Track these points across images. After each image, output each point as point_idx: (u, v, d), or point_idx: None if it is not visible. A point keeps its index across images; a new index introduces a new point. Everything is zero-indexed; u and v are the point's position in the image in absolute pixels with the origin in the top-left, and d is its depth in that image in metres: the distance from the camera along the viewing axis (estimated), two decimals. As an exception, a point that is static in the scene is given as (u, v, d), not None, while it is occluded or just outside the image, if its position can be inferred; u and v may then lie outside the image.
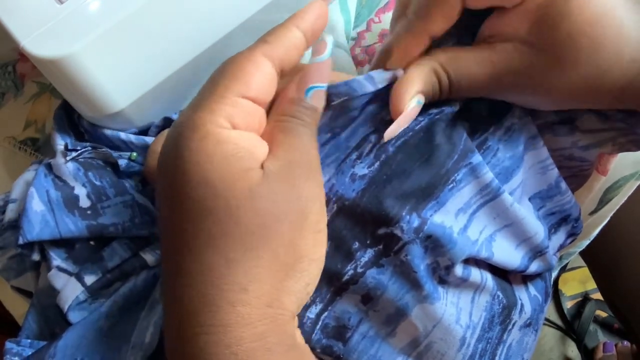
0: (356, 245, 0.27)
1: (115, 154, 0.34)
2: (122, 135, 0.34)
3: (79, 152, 0.34)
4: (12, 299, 0.40)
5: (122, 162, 0.34)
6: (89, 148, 0.34)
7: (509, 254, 0.29)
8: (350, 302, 0.28)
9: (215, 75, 0.23)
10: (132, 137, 0.34)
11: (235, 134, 0.22)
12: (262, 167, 0.22)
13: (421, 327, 0.27)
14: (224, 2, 0.32)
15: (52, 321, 0.33)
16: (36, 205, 0.32)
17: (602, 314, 1.04)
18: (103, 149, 0.34)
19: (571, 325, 1.04)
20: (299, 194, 0.22)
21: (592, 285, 1.06)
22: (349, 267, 0.27)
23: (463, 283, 0.28)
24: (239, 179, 0.21)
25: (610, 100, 0.25)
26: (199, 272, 0.21)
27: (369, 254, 0.27)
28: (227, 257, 0.21)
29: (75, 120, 0.36)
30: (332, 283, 0.27)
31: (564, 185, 0.31)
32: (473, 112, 0.29)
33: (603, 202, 0.41)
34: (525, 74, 0.25)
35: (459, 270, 0.28)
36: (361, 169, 0.27)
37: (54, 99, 0.41)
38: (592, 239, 0.44)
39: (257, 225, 0.21)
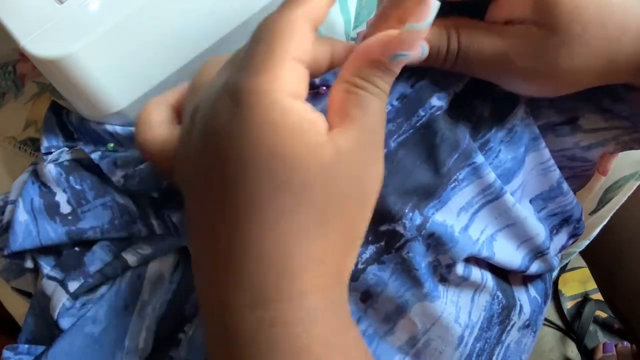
0: None
1: (89, 149, 0.34)
2: (108, 127, 0.34)
3: (56, 153, 0.33)
4: (12, 299, 0.40)
5: (95, 156, 0.33)
6: (65, 149, 0.34)
7: (509, 254, 0.29)
8: (349, 300, 0.27)
9: (263, 36, 0.21)
10: (118, 129, 0.34)
11: (299, 105, 0.21)
12: (332, 140, 0.21)
13: (420, 325, 0.27)
14: (223, 2, 0.32)
15: (51, 323, 0.33)
16: (21, 215, 0.33)
17: (602, 314, 1.04)
18: (77, 148, 0.34)
19: (571, 326, 1.04)
20: (366, 175, 0.22)
21: (592, 285, 1.06)
22: None
23: (464, 282, 0.28)
24: (309, 154, 0.20)
25: (625, 74, 0.25)
26: (273, 243, 0.20)
27: (370, 250, 0.27)
28: (301, 231, 0.20)
29: (64, 119, 0.36)
30: None
31: (565, 186, 0.31)
32: (476, 112, 0.29)
33: (603, 202, 0.41)
34: (536, 55, 0.25)
35: (460, 268, 0.28)
36: None
37: (54, 99, 0.41)
38: (592, 239, 0.44)
39: (329, 203, 0.21)
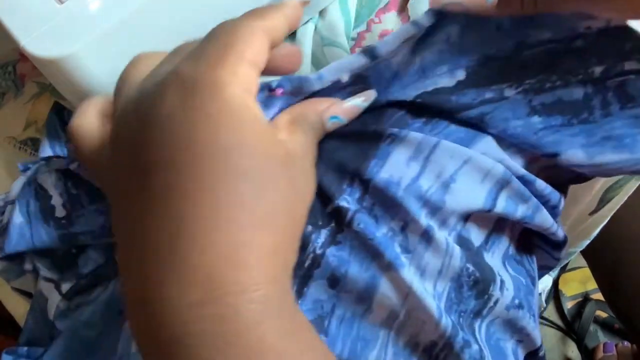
0: (309, 228, 0.27)
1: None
2: None
3: (32, 169, 0.33)
4: (12, 299, 0.40)
5: (74, 166, 0.33)
6: (43, 162, 0.33)
7: (471, 193, 0.28)
8: (319, 290, 0.27)
9: (220, 36, 0.22)
10: None
11: (256, 104, 0.21)
12: (284, 142, 0.23)
13: (394, 298, 0.27)
14: (223, 2, 0.32)
15: (51, 324, 0.34)
16: (16, 217, 0.33)
17: (603, 314, 1.04)
18: (56, 159, 0.33)
19: (571, 326, 1.04)
20: (309, 180, 0.24)
21: (592, 285, 1.06)
22: (308, 251, 0.27)
23: (427, 249, 0.28)
24: (272, 148, 0.21)
25: None
26: (228, 234, 0.19)
27: (324, 234, 0.27)
28: (260, 220, 0.20)
29: (65, 119, 0.36)
30: (296, 273, 0.27)
31: (531, 176, 0.29)
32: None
33: (603, 201, 0.41)
34: None
35: (418, 228, 0.27)
36: None
37: (54, 99, 0.41)
38: (592, 238, 0.44)
39: (286, 195, 0.21)
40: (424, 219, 0.27)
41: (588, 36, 0.27)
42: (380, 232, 0.27)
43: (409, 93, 0.28)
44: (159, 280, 0.19)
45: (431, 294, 0.28)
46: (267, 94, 0.26)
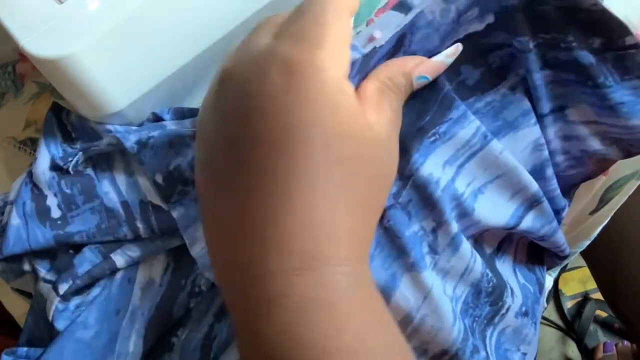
0: None
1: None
2: (108, 126, 0.34)
3: (73, 161, 0.33)
4: (12, 300, 0.40)
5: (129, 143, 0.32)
6: (80, 153, 0.33)
7: (497, 208, 0.29)
8: None
9: (315, 13, 0.22)
10: (119, 127, 0.34)
11: (351, 88, 0.22)
12: (373, 127, 0.23)
13: (412, 300, 0.27)
14: (224, 2, 0.32)
15: (51, 324, 0.34)
16: (14, 219, 0.33)
17: (602, 313, 1.04)
18: (93, 148, 0.33)
19: (571, 325, 1.04)
20: (395, 161, 0.25)
21: (592, 285, 1.06)
22: None
23: (455, 253, 0.28)
24: (365, 135, 0.22)
25: None
26: (323, 212, 0.21)
27: None
28: (351, 202, 0.22)
29: (63, 120, 0.36)
30: None
31: (550, 172, 0.30)
32: (459, 78, 0.29)
33: (603, 201, 0.41)
34: None
35: (450, 230, 0.27)
36: None
37: (54, 99, 0.41)
38: (592, 238, 0.44)
39: (375, 181, 0.23)
40: (454, 222, 0.28)
41: (592, 12, 0.28)
42: (411, 231, 0.27)
43: (447, 45, 0.28)
44: (261, 248, 0.21)
45: (450, 296, 0.28)
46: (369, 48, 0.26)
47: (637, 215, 0.53)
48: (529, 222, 0.29)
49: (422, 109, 0.28)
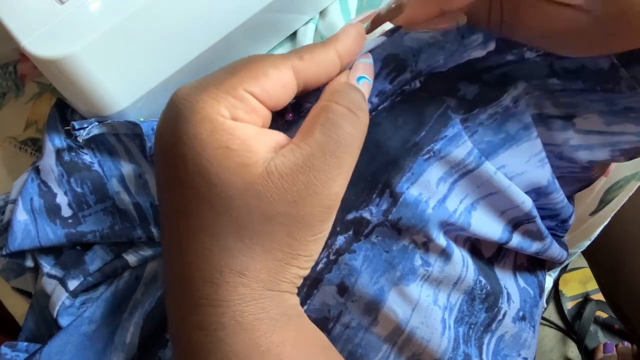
0: None
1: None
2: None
3: (87, 128, 0.32)
4: (12, 299, 0.40)
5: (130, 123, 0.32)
6: (95, 123, 0.32)
7: (489, 224, 0.29)
8: (327, 295, 0.28)
9: (237, 65, 0.22)
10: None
11: (230, 124, 0.21)
12: (269, 160, 0.21)
13: (401, 313, 0.27)
14: (224, 2, 0.32)
15: (50, 322, 0.34)
16: (20, 214, 0.33)
17: (603, 314, 1.04)
18: (108, 122, 0.32)
19: (572, 326, 1.04)
20: (299, 201, 0.21)
21: (592, 285, 1.06)
22: (322, 256, 0.27)
23: (447, 263, 0.28)
24: (233, 173, 0.21)
25: None
26: (197, 254, 0.21)
27: (339, 241, 0.27)
28: (221, 245, 0.21)
29: (67, 117, 0.36)
30: (308, 275, 0.27)
31: (557, 183, 0.30)
32: (458, 93, 0.29)
33: (604, 202, 0.41)
34: (583, 38, 0.24)
35: (439, 244, 0.27)
36: None
37: (55, 99, 0.41)
38: (593, 239, 0.44)
39: (250, 222, 0.21)
40: (442, 239, 0.28)
41: None
42: (400, 245, 0.27)
43: (448, 64, 0.28)
44: (167, 282, 0.23)
45: (443, 306, 0.28)
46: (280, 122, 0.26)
47: (638, 216, 0.53)
48: (518, 238, 0.30)
49: (419, 122, 0.27)
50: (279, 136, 0.22)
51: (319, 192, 0.21)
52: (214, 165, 0.20)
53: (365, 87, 0.24)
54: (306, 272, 0.24)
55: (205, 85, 0.21)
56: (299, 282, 0.24)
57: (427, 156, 0.27)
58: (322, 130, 0.21)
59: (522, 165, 0.29)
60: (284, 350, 0.21)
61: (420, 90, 0.28)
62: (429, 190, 0.27)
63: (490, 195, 0.28)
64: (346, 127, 0.22)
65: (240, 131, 0.21)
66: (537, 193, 0.30)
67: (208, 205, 0.21)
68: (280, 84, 0.22)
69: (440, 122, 0.27)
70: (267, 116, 0.23)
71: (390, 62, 0.27)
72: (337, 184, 0.22)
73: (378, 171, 0.27)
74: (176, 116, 0.21)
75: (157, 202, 0.24)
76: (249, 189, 0.21)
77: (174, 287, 0.23)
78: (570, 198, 0.32)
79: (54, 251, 0.34)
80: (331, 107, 0.22)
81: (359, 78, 0.24)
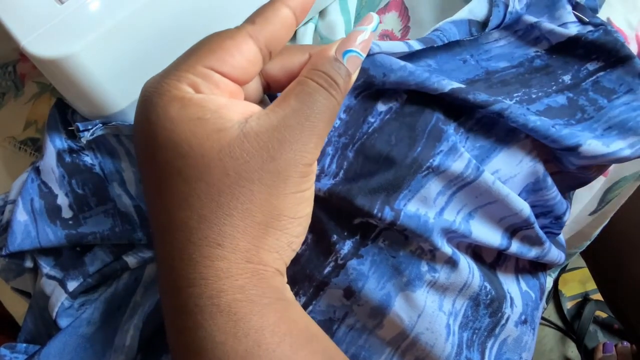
0: (334, 237, 0.27)
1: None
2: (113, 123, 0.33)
3: (91, 130, 0.32)
4: (12, 299, 0.40)
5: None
6: (100, 125, 0.32)
7: (488, 231, 0.29)
8: (333, 297, 0.28)
9: (194, 46, 0.23)
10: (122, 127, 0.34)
11: (200, 97, 0.21)
12: (243, 123, 0.21)
13: (406, 319, 0.27)
14: (224, 2, 0.32)
15: (49, 323, 0.34)
16: (20, 215, 0.33)
17: (602, 314, 1.04)
18: (112, 124, 0.32)
19: (571, 326, 1.04)
20: (276, 155, 0.21)
21: (592, 285, 1.06)
22: (330, 260, 0.27)
23: (453, 270, 0.28)
24: (207, 139, 0.21)
25: None
26: (175, 229, 0.21)
27: (347, 245, 0.27)
28: (199, 214, 0.21)
29: (68, 118, 0.36)
30: (314, 277, 0.27)
31: (550, 180, 0.30)
32: (445, 102, 0.29)
33: (603, 202, 0.41)
34: None
35: (445, 252, 0.28)
36: (326, 182, 0.27)
37: (54, 99, 0.41)
38: (592, 239, 0.44)
39: (227, 185, 0.21)
40: (447, 247, 0.28)
41: (542, 55, 0.30)
42: (407, 250, 0.27)
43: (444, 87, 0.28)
44: (160, 267, 0.23)
45: (449, 311, 0.28)
46: None
47: (638, 216, 0.53)
48: (517, 244, 0.30)
49: (412, 137, 0.28)
50: (252, 106, 0.23)
51: (294, 148, 0.22)
52: (186, 136, 0.21)
53: (352, 62, 0.23)
54: (295, 241, 0.23)
55: (167, 70, 0.22)
56: (287, 254, 0.23)
57: (425, 173, 0.27)
58: (297, 99, 0.22)
59: (514, 168, 0.29)
60: (263, 336, 0.21)
61: (408, 105, 0.29)
62: (426, 205, 0.27)
63: (488, 204, 0.28)
64: (320, 99, 0.22)
65: (211, 102, 0.21)
66: (527, 191, 0.30)
67: (182, 178, 0.21)
68: (239, 53, 0.22)
69: (433, 135, 0.28)
70: (236, 89, 0.23)
71: (358, 77, 0.27)
72: (312, 142, 0.22)
73: (376, 187, 0.27)
74: (146, 104, 0.22)
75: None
76: (224, 150, 0.21)
77: (160, 271, 0.23)
78: (565, 195, 0.33)
79: (53, 252, 0.34)
80: (307, 82, 0.23)
81: (348, 52, 0.23)
